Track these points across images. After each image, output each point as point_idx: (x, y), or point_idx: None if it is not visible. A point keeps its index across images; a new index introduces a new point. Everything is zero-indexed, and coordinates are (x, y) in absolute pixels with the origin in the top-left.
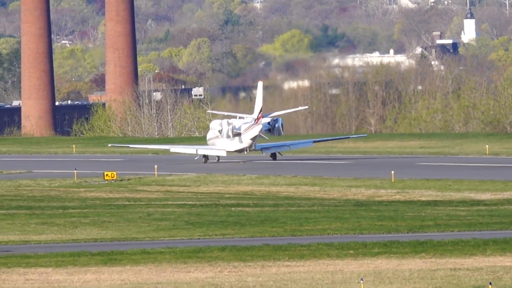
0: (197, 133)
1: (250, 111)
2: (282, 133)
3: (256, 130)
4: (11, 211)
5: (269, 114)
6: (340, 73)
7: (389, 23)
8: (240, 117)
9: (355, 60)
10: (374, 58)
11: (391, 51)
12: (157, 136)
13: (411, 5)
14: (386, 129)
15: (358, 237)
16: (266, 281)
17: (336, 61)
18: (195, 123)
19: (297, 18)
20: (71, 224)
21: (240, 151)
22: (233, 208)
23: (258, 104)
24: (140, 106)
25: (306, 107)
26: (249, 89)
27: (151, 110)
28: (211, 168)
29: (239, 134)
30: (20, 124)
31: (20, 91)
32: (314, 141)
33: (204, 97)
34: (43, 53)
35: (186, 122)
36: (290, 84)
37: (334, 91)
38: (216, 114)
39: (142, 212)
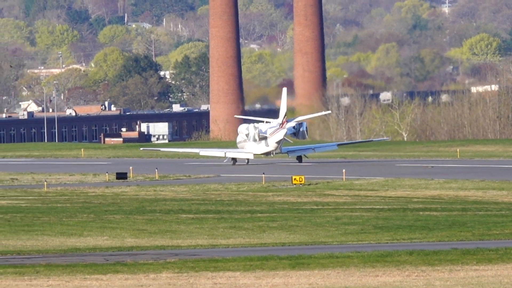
0: (385, 137)
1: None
2: (307, 137)
3: (281, 134)
4: (199, 215)
5: (294, 119)
6: None
7: None
8: (266, 122)
9: None
10: None
11: None
12: (345, 141)
13: None
14: None
15: None
16: (454, 285)
17: None
18: (383, 127)
19: (485, 22)
20: (259, 228)
21: (267, 154)
22: (421, 212)
23: (283, 109)
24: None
25: (329, 111)
26: (437, 93)
27: (339, 114)
28: (397, 172)
29: (265, 138)
30: (208, 128)
31: (208, 95)
32: (339, 144)
33: (392, 102)
34: (232, 57)
35: (374, 127)
36: (478, 88)
37: None
38: (244, 118)
39: (330, 216)
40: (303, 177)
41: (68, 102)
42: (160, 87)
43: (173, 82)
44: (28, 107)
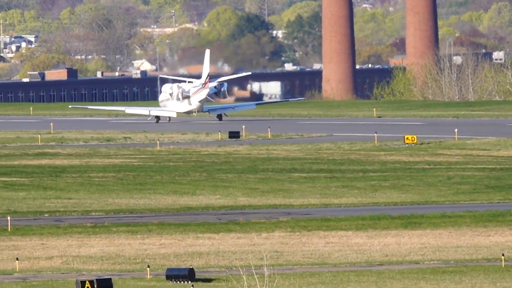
0: (497, 97)
1: None
2: (227, 97)
3: (203, 94)
4: (311, 174)
5: (216, 79)
6: None
7: None
8: (189, 82)
9: None
10: None
11: None
12: (457, 100)
13: None
14: None
15: None
16: None
17: None
18: (495, 87)
19: None
20: (371, 188)
21: (189, 112)
22: None
23: (206, 69)
24: (441, 70)
25: (250, 73)
26: None
27: (452, 74)
28: (510, 132)
29: (188, 97)
30: (321, 87)
31: (320, 55)
32: (257, 104)
33: (504, 61)
34: (344, 16)
35: (486, 86)
36: None
37: None
38: (167, 78)
39: (442, 176)
40: (415, 136)
41: (181, 62)
42: (272, 47)
43: (285, 41)
44: (141, 66)
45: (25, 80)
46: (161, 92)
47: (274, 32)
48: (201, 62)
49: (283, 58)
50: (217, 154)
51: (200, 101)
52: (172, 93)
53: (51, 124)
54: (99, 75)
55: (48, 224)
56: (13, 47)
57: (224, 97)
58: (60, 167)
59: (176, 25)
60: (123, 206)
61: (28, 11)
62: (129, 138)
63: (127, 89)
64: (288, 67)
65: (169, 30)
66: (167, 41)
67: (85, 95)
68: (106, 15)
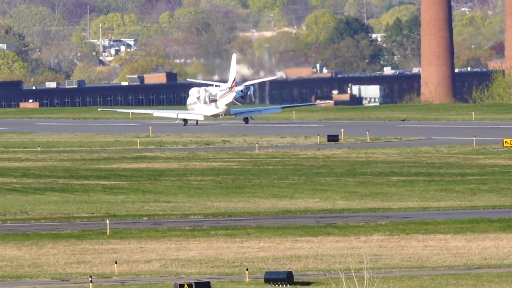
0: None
1: None
2: (254, 100)
3: (230, 97)
4: (410, 177)
5: (243, 83)
6: None
7: None
8: (216, 85)
9: None
10: None
11: None
12: None
13: None
14: None
15: None
16: None
17: None
18: None
19: None
20: (470, 191)
21: (216, 115)
22: None
23: (232, 74)
24: None
25: (276, 77)
26: None
27: None
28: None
29: (215, 101)
30: (419, 91)
31: (419, 58)
32: (282, 107)
33: None
34: (443, 19)
35: None
36: None
37: None
38: (194, 82)
39: None
40: None
41: (279, 65)
42: (371, 50)
43: (384, 45)
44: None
45: (124, 83)
46: (189, 95)
47: (373, 35)
48: (299, 65)
49: (381, 62)
50: (315, 158)
51: (226, 105)
52: (199, 96)
53: (150, 127)
54: (198, 79)
55: (146, 227)
56: (112, 51)
57: (251, 101)
58: (159, 170)
59: (275, 28)
60: (221, 209)
61: (127, 14)
62: (228, 141)
63: None
64: (387, 70)
65: (267, 33)
66: (266, 45)
67: (184, 98)
68: (205, 18)
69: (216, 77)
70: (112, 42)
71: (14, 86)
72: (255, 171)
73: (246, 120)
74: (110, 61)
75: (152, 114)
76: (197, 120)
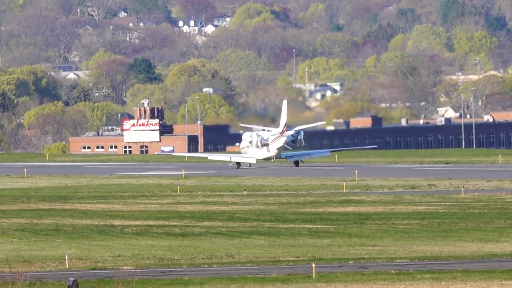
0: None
1: None
2: (304, 144)
3: (281, 141)
4: None
5: (293, 128)
6: None
7: None
8: (267, 130)
9: None
10: None
11: None
12: None
13: None
14: None
15: None
16: None
17: None
18: None
19: None
20: None
21: (268, 159)
22: None
23: (283, 119)
24: None
25: (324, 122)
26: None
27: None
28: None
29: (266, 145)
30: None
31: None
32: (331, 151)
33: None
34: None
35: None
36: None
37: None
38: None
39: None
40: None
41: (486, 108)
42: None
43: None
44: (446, 113)
45: (330, 128)
46: (242, 140)
47: None
48: (506, 108)
49: None
50: None
51: (278, 148)
52: (252, 141)
53: (356, 171)
54: (403, 122)
55: (352, 271)
56: (318, 95)
57: (301, 145)
58: (365, 214)
59: (481, 72)
60: (427, 253)
61: (332, 59)
62: (434, 185)
63: (431, 137)
64: None
65: (474, 77)
66: (472, 88)
67: (389, 142)
68: (411, 62)
69: (421, 121)
70: (318, 87)
71: (221, 130)
72: (461, 214)
73: (296, 163)
74: (315, 106)
75: (206, 157)
76: (249, 163)
